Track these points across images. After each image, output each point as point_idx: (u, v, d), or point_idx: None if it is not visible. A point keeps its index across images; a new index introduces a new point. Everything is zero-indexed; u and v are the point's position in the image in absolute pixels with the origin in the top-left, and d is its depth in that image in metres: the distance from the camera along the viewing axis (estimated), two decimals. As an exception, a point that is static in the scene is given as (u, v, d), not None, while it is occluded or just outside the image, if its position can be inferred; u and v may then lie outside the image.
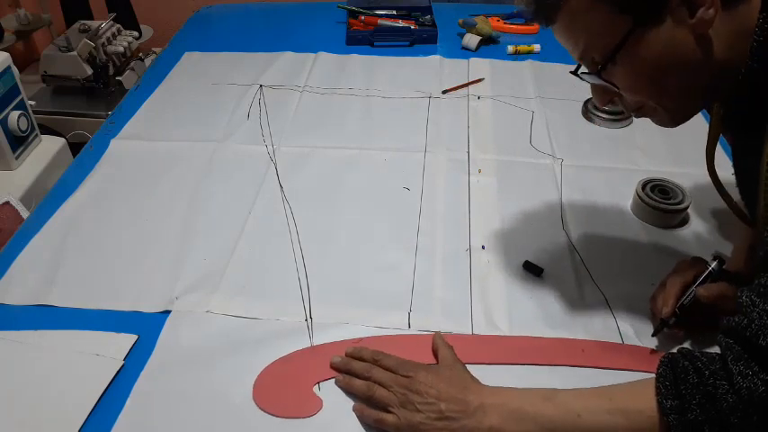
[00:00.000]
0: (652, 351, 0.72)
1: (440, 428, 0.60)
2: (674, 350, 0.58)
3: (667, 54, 0.54)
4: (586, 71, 0.61)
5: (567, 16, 0.57)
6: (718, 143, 0.69)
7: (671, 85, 0.57)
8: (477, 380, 0.65)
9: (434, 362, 0.70)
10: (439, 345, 0.70)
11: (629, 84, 0.59)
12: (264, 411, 0.66)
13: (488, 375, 0.67)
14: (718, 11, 0.52)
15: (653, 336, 0.73)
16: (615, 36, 0.55)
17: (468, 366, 0.68)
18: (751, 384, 0.50)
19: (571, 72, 0.64)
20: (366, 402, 0.66)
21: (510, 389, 0.62)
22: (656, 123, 0.64)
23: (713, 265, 0.70)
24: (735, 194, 0.68)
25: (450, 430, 0.60)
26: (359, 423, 0.65)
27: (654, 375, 0.57)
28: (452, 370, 0.66)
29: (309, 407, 0.67)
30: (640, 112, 0.63)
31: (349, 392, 0.68)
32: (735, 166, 0.65)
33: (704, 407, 0.52)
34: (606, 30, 0.55)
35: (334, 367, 0.70)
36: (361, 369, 0.68)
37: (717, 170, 0.70)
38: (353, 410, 0.66)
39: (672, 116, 0.61)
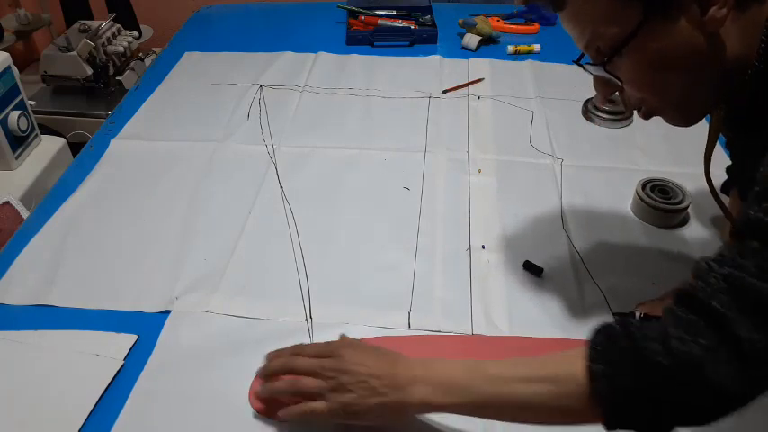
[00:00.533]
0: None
1: (372, 405, 0.57)
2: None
3: (675, 50, 0.54)
4: (590, 62, 0.60)
5: (577, 1, 0.56)
6: (717, 142, 0.69)
7: (675, 83, 0.57)
8: (405, 355, 0.61)
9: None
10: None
11: (634, 78, 0.58)
12: (262, 414, 0.65)
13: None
14: (730, 10, 0.51)
15: None
16: (624, 27, 0.54)
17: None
18: (688, 348, 0.45)
19: (574, 61, 0.63)
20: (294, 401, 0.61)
21: (440, 360, 0.59)
22: (669, 123, 0.63)
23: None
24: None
25: (381, 405, 0.57)
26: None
27: None
28: (379, 346, 0.63)
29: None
30: (643, 111, 0.62)
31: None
32: (733, 164, 0.65)
33: (636, 373, 0.48)
34: (615, 20, 0.54)
35: (260, 375, 0.65)
36: (279, 365, 0.63)
37: (715, 168, 0.70)
38: (280, 419, 0.62)
39: (681, 114, 0.61)
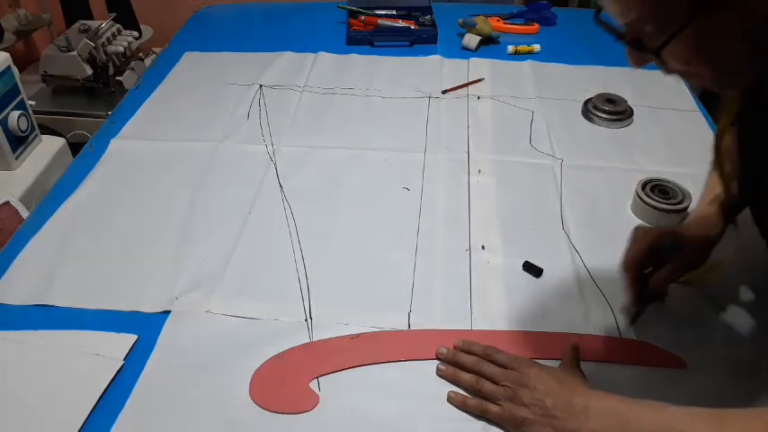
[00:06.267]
0: (650, 346, 0.73)
1: (543, 425, 0.60)
2: None
3: (726, 41, 0.50)
4: (625, 37, 0.54)
5: None
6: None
7: (724, 67, 0.52)
8: (587, 383, 0.65)
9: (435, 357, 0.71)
10: (568, 344, 0.70)
11: (681, 60, 0.53)
12: (261, 407, 0.66)
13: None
14: None
15: (631, 326, 0.75)
16: (675, 15, 0.49)
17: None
18: None
19: (615, 34, 0.56)
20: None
21: (619, 397, 0.59)
22: (693, 85, 0.61)
23: (666, 244, 0.73)
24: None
25: (552, 428, 0.60)
26: (355, 418, 0.65)
27: None
28: (566, 369, 0.66)
29: (306, 402, 0.67)
30: (681, 77, 0.59)
31: (348, 386, 0.68)
32: (740, 151, 0.64)
33: None
34: (669, 6, 0.49)
35: (440, 357, 0.71)
36: (470, 363, 0.68)
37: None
38: (439, 373, 0.69)
39: (718, 83, 0.56)
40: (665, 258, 0.74)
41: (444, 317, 0.77)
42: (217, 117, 1.17)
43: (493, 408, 0.64)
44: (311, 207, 0.95)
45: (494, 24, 1.46)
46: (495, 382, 0.65)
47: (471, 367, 0.68)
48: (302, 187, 0.99)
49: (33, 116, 1.40)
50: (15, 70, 1.32)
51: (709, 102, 0.96)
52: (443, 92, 1.25)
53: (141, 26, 2.24)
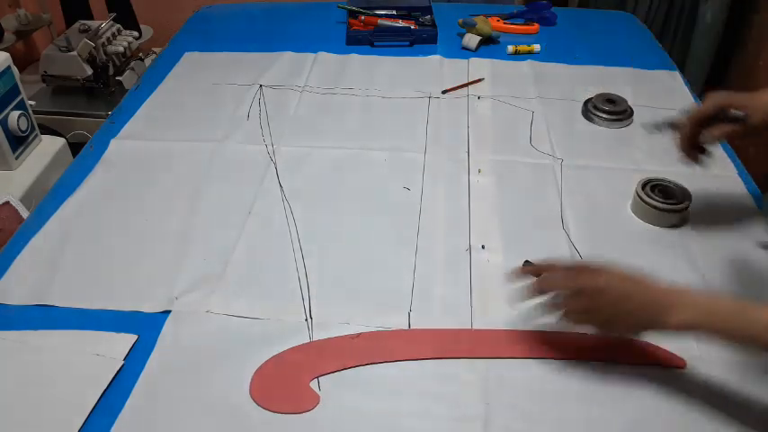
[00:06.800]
0: (650, 345, 0.73)
1: (628, 323, 0.64)
2: None
3: None
4: None
5: None
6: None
7: None
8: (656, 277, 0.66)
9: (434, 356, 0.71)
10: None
11: None
12: (261, 407, 0.66)
13: (489, 368, 0.67)
14: None
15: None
16: None
17: (466, 361, 0.69)
18: None
19: None
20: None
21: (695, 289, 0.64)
22: None
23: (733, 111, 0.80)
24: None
25: (636, 324, 0.64)
26: (355, 418, 0.66)
27: None
28: (631, 270, 0.66)
29: (306, 402, 0.67)
30: None
31: (343, 383, 0.68)
32: None
33: None
34: None
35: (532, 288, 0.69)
36: (549, 284, 0.68)
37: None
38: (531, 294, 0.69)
39: None
40: (729, 121, 0.80)
41: (444, 316, 0.77)
42: (217, 117, 1.17)
43: (578, 318, 0.66)
44: (311, 207, 0.95)
45: (494, 24, 1.46)
46: (569, 295, 0.66)
47: (550, 288, 0.68)
48: (302, 187, 0.99)
49: (33, 116, 1.40)
50: (15, 70, 1.32)
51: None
52: (443, 92, 1.25)
53: (141, 26, 2.23)
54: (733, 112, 0.79)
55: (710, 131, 0.80)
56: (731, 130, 0.79)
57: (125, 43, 1.87)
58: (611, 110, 1.14)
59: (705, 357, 0.72)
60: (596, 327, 0.67)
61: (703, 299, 0.62)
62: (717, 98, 0.80)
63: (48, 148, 1.44)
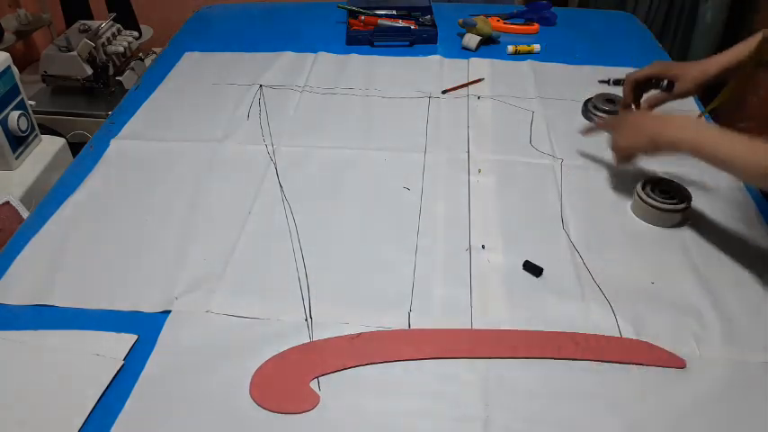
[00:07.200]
0: (650, 345, 0.72)
1: (642, 141, 0.84)
2: None
3: None
4: None
5: None
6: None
7: None
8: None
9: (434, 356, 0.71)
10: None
11: None
12: (261, 407, 0.66)
13: (489, 368, 0.67)
14: None
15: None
16: None
17: (466, 361, 0.69)
18: None
19: None
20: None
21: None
22: None
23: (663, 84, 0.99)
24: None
25: (650, 141, 0.82)
26: (355, 418, 0.66)
27: None
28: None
29: (306, 402, 0.67)
30: None
31: (349, 379, 0.68)
32: None
33: None
34: None
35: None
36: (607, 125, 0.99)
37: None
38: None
39: None
40: (660, 88, 1.00)
41: (444, 316, 0.77)
42: (217, 117, 1.17)
43: (614, 142, 0.91)
44: (311, 207, 0.95)
45: (494, 24, 1.46)
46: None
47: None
48: (302, 187, 0.99)
49: (33, 116, 1.40)
50: (15, 70, 1.32)
51: (708, 102, 0.98)
52: (443, 92, 1.25)
53: (141, 26, 2.24)
54: (662, 82, 0.97)
55: (644, 101, 0.99)
56: (658, 99, 0.98)
57: (125, 43, 1.87)
58: (611, 110, 1.14)
59: (705, 357, 0.72)
60: (625, 141, 0.87)
61: (695, 119, 0.74)
62: (655, 66, 0.98)
63: (48, 148, 1.44)
